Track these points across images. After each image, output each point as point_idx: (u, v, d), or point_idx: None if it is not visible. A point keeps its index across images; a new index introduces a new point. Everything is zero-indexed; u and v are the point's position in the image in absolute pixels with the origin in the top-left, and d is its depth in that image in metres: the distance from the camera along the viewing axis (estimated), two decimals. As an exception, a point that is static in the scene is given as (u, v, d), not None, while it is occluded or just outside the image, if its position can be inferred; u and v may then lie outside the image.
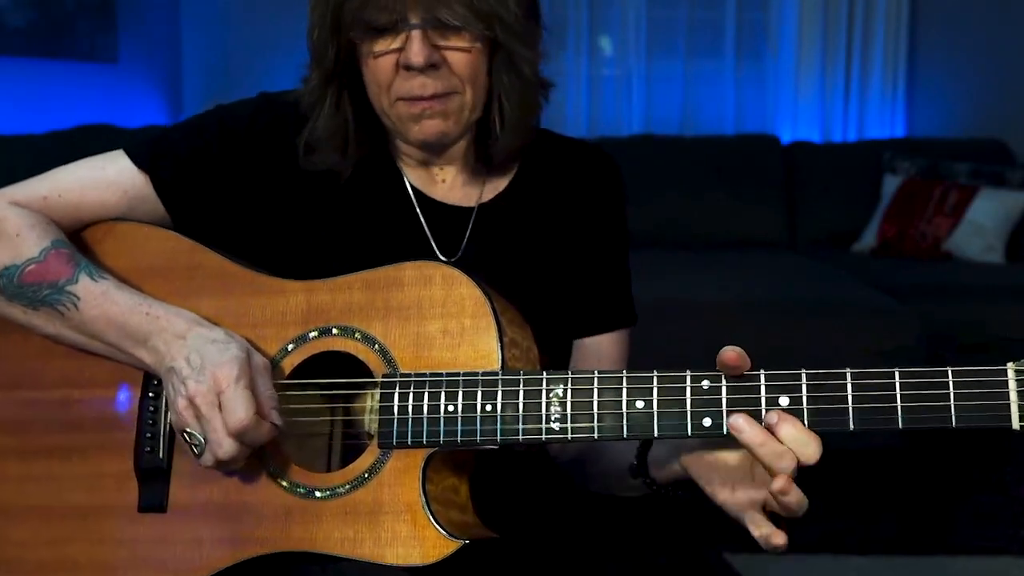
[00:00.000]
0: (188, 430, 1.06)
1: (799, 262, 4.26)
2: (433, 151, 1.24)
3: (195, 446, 1.06)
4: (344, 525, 1.06)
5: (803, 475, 0.98)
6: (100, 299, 1.14)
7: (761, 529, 1.01)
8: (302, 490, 1.09)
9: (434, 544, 1.03)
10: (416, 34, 1.11)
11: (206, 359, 1.06)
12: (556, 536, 1.24)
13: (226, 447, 1.04)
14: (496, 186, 1.28)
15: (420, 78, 1.13)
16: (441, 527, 1.04)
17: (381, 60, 1.14)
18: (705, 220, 4.61)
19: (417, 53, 1.10)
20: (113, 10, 4.60)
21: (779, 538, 1.01)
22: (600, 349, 1.31)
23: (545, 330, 1.19)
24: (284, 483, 1.10)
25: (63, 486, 1.16)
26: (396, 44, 1.12)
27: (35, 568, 1.15)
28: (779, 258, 4.33)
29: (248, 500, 1.10)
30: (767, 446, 0.96)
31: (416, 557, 1.03)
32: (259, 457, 1.10)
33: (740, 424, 0.97)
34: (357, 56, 1.17)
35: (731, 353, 0.98)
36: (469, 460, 1.11)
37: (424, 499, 1.04)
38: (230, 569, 1.09)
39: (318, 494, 1.08)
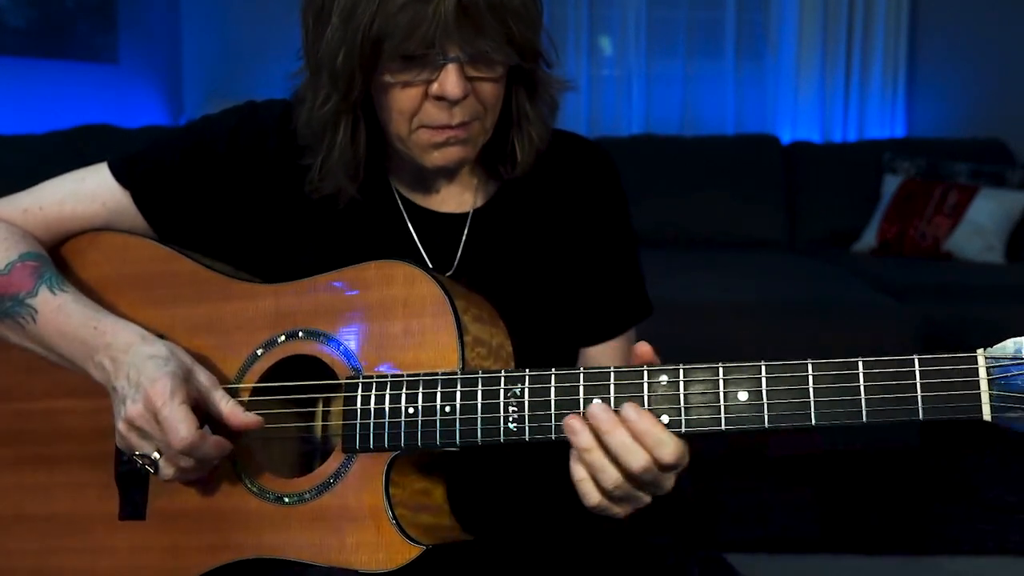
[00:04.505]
0: (137, 453, 1.06)
1: (799, 262, 4.25)
2: (445, 174, 1.22)
3: (149, 465, 1.06)
4: (311, 531, 1.06)
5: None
6: (55, 313, 1.14)
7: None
8: (271, 496, 1.09)
9: (399, 549, 1.02)
10: (453, 66, 1.07)
11: (142, 375, 1.06)
12: (542, 538, 1.23)
13: (181, 462, 1.05)
14: (490, 189, 1.25)
15: (451, 108, 1.09)
16: (403, 532, 1.02)
17: (408, 90, 1.09)
18: (705, 220, 4.60)
19: (455, 85, 1.06)
20: (113, 10, 4.59)
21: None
22: (603, 357, 1.27)
23: (548, 336, 1.18)
24: (255, 489, 1.10)
25: (50, 496, 1.18)
26: (427, 75, 1.08)
27: None
28: (779, 258, 4.32)
29: (222, 507, 1.10)
30: (592, 453, 0.95)
31: (381, 563, 1.02)
32: (232, 463, 1.10)
33: (574, 426, 0.96)
34: (374, 82, 1.12)
35: (646, 347, 0.98)
36: (440, 462, 1.09)
37: (388, 504, 1.03)
38: (207, 575, 1.09)
39: (286, 500, 1.08)
